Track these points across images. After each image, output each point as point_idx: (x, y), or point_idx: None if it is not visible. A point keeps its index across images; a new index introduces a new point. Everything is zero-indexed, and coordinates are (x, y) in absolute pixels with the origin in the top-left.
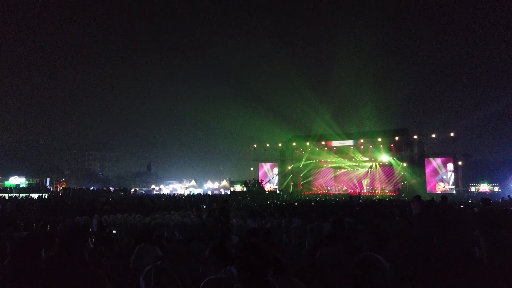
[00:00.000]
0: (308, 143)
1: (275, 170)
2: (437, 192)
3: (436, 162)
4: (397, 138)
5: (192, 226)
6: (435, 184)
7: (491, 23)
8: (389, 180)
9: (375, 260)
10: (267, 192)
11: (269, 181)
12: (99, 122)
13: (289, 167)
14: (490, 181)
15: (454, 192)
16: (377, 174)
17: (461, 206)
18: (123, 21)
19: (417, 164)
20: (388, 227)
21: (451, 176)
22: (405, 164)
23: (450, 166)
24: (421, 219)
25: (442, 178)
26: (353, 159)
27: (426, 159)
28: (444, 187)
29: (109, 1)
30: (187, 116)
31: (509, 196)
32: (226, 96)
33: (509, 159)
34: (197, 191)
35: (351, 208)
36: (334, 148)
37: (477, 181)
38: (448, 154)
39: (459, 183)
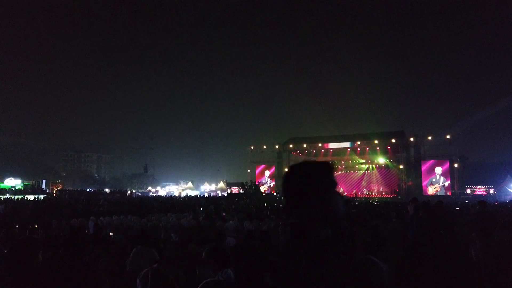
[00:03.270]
0: (305, 145)
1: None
2: (429, 194)
3: (432, 164)
4: (393, 140)
5: (189, 228)
6: (426, 188)
7: (488, 27)
8: (385, 182)
9: (372, 263)
10: (264, 194)
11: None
12: (96, 123)
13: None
14: (486, 184)
15: (450, 194)
16: (374, 176)
17: (457, 208)
18: (121, 23)
19: (414, 166)
20: (384, 228)
21: (440, 179)
22: (401, 166)
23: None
24: (413, 220)
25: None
26: (350, 161)
27: (422, 161)
28: (434, 189)
29: (109, 4)
30: (184, 118)
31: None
32: (223, 98)
33: (505, 162)
34: (193, 193)
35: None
36: (331, 150)
37: (473, 184)
38: (444, 157)
39: (455, 186)
